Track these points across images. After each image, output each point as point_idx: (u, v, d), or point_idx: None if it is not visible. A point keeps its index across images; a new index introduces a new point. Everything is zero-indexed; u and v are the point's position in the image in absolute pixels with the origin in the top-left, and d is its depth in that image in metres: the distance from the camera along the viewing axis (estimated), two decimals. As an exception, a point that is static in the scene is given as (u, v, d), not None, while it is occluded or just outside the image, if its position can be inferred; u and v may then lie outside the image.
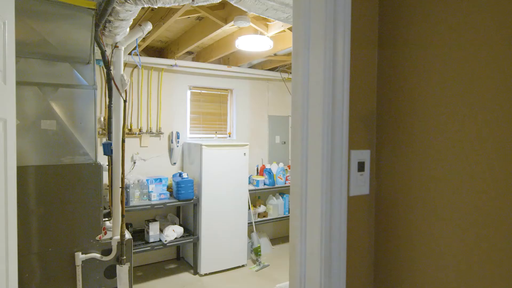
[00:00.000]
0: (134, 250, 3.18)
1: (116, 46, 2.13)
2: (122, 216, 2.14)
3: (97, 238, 2.14)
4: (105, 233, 2.19)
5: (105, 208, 2.54)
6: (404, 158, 0.81)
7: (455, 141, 0.71)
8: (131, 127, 3.76)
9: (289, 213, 4.47)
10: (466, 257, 0.69)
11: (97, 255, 2.12)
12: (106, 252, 2.16)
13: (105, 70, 2.33)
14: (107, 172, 2.35)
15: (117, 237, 2.16)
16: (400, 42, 0.82)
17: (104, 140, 2.28)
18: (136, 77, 3.80)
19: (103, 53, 2.04)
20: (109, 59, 2.13)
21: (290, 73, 4.63)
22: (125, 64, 3.66)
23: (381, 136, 0.86)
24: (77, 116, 2.04)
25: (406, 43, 0.81)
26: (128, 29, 2.02)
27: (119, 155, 2.13)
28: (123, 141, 2.10)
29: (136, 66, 3.76)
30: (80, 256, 2.04)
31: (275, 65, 4.21)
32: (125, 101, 2.13)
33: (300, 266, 0.81)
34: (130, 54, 3.38)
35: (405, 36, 0.81)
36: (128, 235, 2.24)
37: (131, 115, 3.78)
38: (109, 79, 2.16)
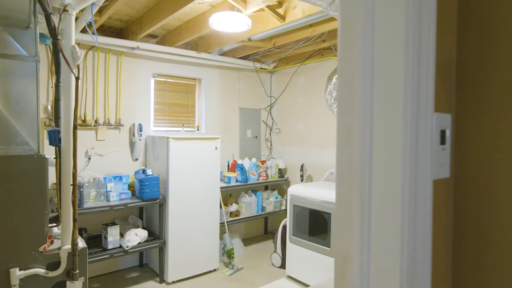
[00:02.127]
0: (90, 260, 2.73)
1: (65, 10, 1.72)
2: (74, 220, 1.73)
3: (41, 249, 1.71)
4: (52, 243, 1.77)
5: (52, 211, 2.10)
6: (501, 127, 0.56)
7: None
8: (85, 117, 3.27)
9: (262, 211, 4.20)
10: None
11: (40, 271, 1.69)
12: (53, 266, 1.73)
13: (51, 43, 1.88)
14: (54, 168, 1.92)
15: (68, 246, 1.74)
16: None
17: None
18: (91, 60, 3.32)
19: (48, 16, 1.62)
20: (56, 27, 1.71)
21: (263, 62, 4.37)
22: (77, 45, 3.17)
23: (463, 96, 0.60)
24: (12, 95, 1.60)
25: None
26: (80, -12, 1.62)
27: (69, 145, 1.72)
28: (75, 127, 1.69)
29: (91, 48, 3.28)
30: (17, 273, 1.60)
31: (248, 52, 3.91)
32: (77, 79, 1.72)
33: (361, 290, 0.52)
34: (83, 32, 2.93)
35: None
36: (81, 243, 1.83)
37: (85, 104, 3.29)
38: (56, 51, 1.73)
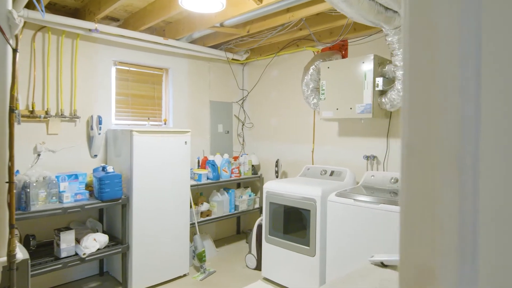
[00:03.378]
0: (38, 271, 2.36)
1: (-3, -35, 1.39)
2: (11, 226, 1.40)
3: (-33, 262, 1.37)
4: (-18, 254, 1.43)
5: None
6: None
7: None
8: (33, 108, 2.86)
9: (235, 210, 3.96)
10: None
11: (-34, 290, 1.35)
12: (-16, 283, 1.40)
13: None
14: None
15: (3, 259, 1.41)
16: None
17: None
18: (40, 43, 2.91)
19: (-27, -30, 1.28)
20: (-13, -14, 1.37)
21: (236, 52, 4.13)
22: (24, 24, 2.76)
23: None
24: None
25: None
26: None
27: (4, 132, 1.38)
28: (12, 110, 1.36)
29: (40, 28, 2.87)
30: None
31: (220, 40, 3.66)
32: (15, 51, 1.39)
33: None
34: (29, 8, 2.54)
35: None
36: (21, 254, 1.50)
37: (34, 92, 2.88)
38: (-14, 17, 1.39)
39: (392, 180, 2.81)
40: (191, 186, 3.42)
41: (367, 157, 3.21)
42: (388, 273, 1.26)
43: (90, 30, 2.95)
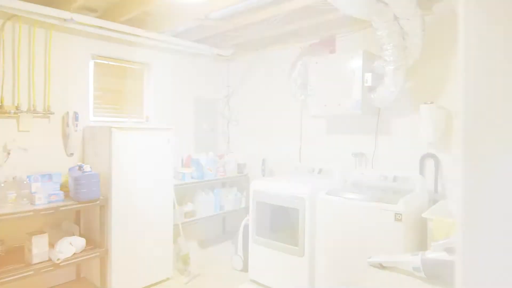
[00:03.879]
0: (6, 279, 2.17)
1: None
2: (-30, 231, 1.24)
3: None
4: None
5: None
6: None
7: None
8: (2, 102, 2.66)
9: (220, 210, 3.84)
10: None
11: None
12: None
13: None
14: None
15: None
16: None
17: None
18: (10, 33, 2.71)
19: None
20: None
21: (221, 48, 4.00)
22: (-9, 12, 2.56)
23: None
24: None
25: None
26: None
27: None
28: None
29: (10, 17, 2.66)
30: None
31: (204, 34, 3.52)
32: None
33: None
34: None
35: None
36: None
37: (3, 85, 2.68)
38: None
39: (382, 178, 2.76)
40: (175, 185, 3.28)
41: (356, 155, 3.15)
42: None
43: (65, 20, 2.77)
